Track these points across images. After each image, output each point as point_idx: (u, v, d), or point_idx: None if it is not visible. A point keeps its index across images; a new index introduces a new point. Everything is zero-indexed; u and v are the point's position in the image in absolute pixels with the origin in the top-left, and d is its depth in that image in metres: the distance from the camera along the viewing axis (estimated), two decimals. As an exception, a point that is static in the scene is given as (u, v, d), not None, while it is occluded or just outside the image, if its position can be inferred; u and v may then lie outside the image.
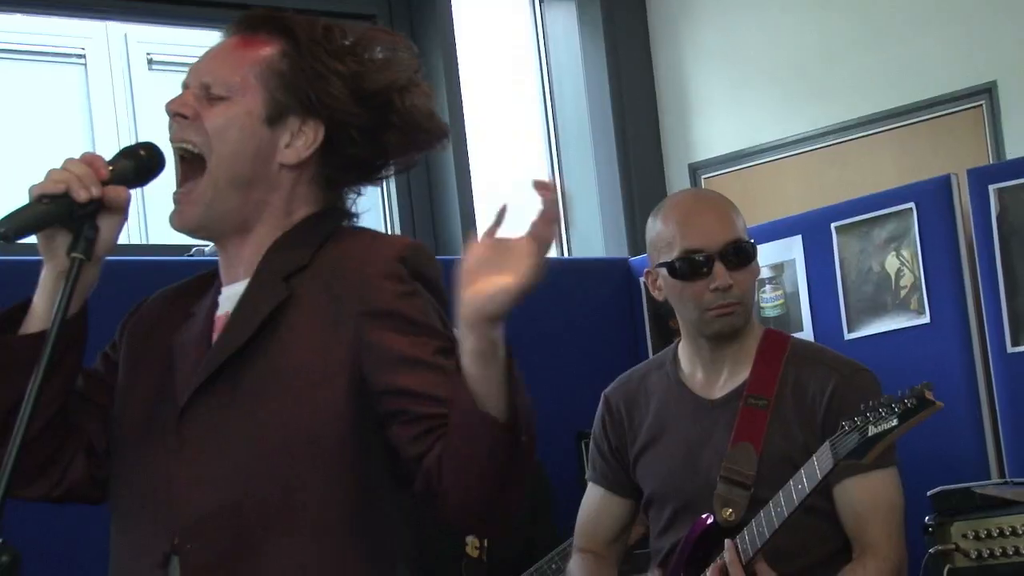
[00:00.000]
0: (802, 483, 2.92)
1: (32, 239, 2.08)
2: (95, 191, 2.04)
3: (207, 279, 2.27)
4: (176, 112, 2.17)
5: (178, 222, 2.19)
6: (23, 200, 2.04)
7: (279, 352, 2.08)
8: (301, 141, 2.17)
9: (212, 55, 2.22)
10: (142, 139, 2.22)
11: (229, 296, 2.19)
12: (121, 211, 2.09)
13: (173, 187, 2.21)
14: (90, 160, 2.08)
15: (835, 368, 3.22)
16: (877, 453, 2.83)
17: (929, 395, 2.81)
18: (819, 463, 2.89)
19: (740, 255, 3.20)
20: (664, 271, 3.25)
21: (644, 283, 3.37)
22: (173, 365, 2.17)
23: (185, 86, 2.20)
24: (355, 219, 2.28)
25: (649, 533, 3.42)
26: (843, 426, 2.86)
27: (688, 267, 3.20)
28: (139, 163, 2.13)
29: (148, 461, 2.13)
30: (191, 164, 2.16)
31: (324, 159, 2.19)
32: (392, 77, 2.18)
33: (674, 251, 3.21)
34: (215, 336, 2.16)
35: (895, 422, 2.81)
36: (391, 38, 2.24)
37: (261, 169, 2.16)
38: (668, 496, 3.27)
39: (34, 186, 2.04)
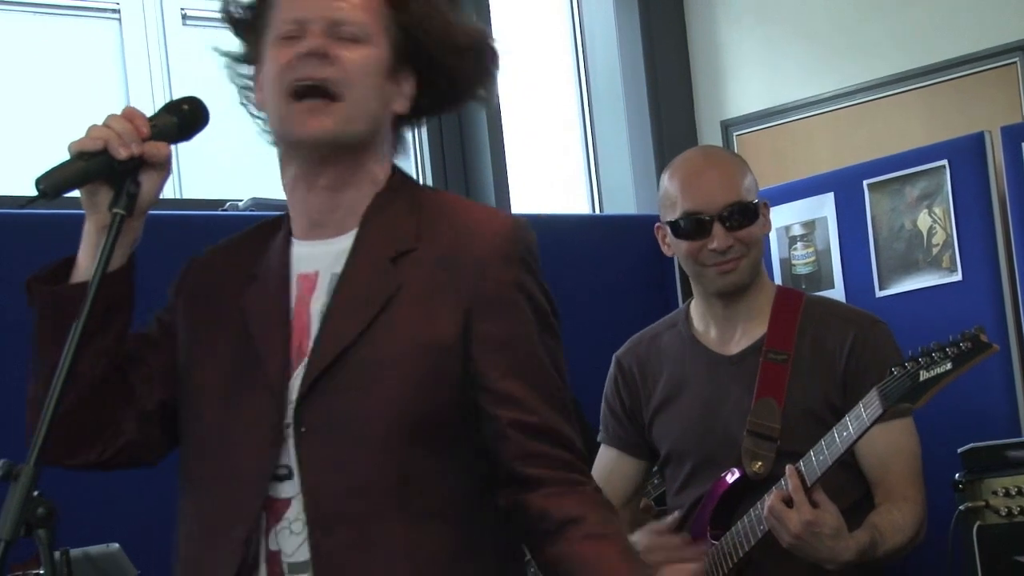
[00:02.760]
0: (847, 430, 2.91)
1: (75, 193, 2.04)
2: (135, 148, 2.00)
3: (261, 235, 2.23)
4: (314, 51, 2.10)
5: (318, 125, 2.10)
6: (59, 156, 2.00)
7: (391, 336, 2.05)
8: (407, 92, 2.19)
9: None
10: (176, 94, 2.18)
11: (309, 255, 2.16)
12: (163, 167, 2.06)
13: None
14: (131, 115, 2.04)
15: (852, 321, 3.25)
16: (930, 397, 2.82)
17: (984, 337, 2.80)
18: (867, 410, 2.87)
19: (740, 216, 3.18)
20: (668, 229, 3.25)
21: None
22: (249, 331, 2.13)
23: (300, 21, 2.13)
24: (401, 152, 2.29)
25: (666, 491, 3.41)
26: (892, 371, 2.84)
27: (689, 227, 3.21)
28: (182, 118, 2.10)
29: (240, 438, 2.09)
30: (318, 99, 2.11)
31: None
32: (477, 34, 2.24)
33: (677, 211, 3.23)
34: (298, 299, 2.13)
35: (949, 366, 2.81)
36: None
37: (382, 114, 2.16)
38: (687, 453, 3.27)
39: (73, 142, 2.00)
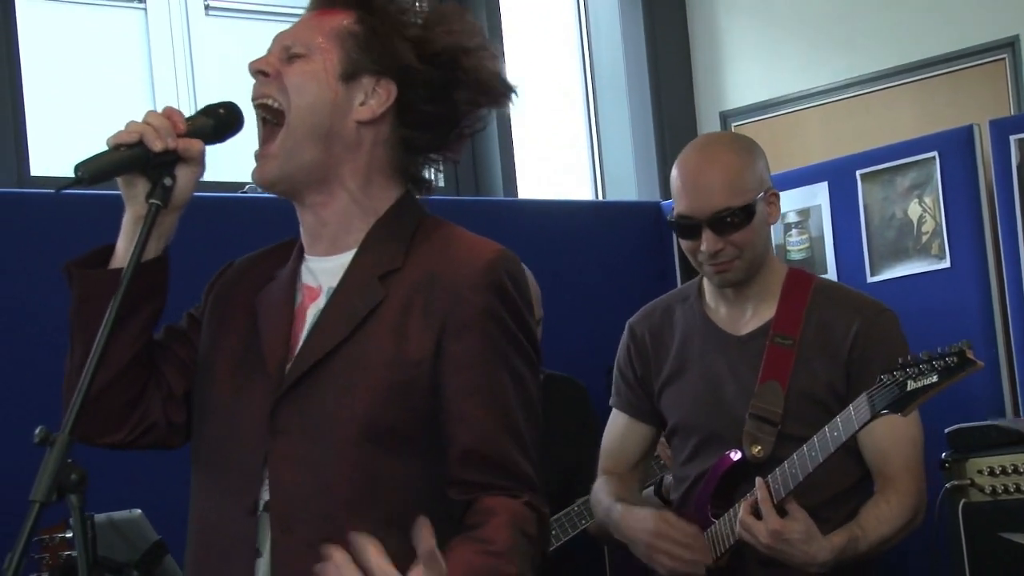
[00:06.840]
0: (837, 430, 2.87)
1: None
2: (170, 142, 2.05)
3: (288, 247, 2.27)
4: (259, 70, 2.17)
5: (258, 176, 2.18)
6: (88, 140, 2.03)
7: (369, 347, 2.09)
8: (375, 99, 2.17)
9: (293, 26, 2.23)
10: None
11: (314, 269, 2.20)
12: (197, 163, 2.10)
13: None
14: (169, 113, 2.09)
15: (859, 309, 3.16)
16: (916, 406, 2.78)
17: (970, 354, 2.75)
18: (856, 414, 2.84)
19: (731, 221, 3.11)
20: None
21: None
22: (255, 324, 2.18)
23: (268, 52, 2.21)
24: (430, 190, 2.28)
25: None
26: (881, 379, 2.79)
27: (682, 229, 3.17)
28: (218, 120, 2.14)
29: (239, 425, 2.13)
30: (272, 127, 2.16)
31: (399, 118, 2.19)
32: (456, 40, 2.19)
33: (675, 211, 3.19)
34: (299, 306, 2.18)
35: (935, 379, 2.75)
36: (459, 14, 2.24)
37: (338, 123, 2.15)
38: (692, 428, 3.23)
39: (112, 135, 2.04)
